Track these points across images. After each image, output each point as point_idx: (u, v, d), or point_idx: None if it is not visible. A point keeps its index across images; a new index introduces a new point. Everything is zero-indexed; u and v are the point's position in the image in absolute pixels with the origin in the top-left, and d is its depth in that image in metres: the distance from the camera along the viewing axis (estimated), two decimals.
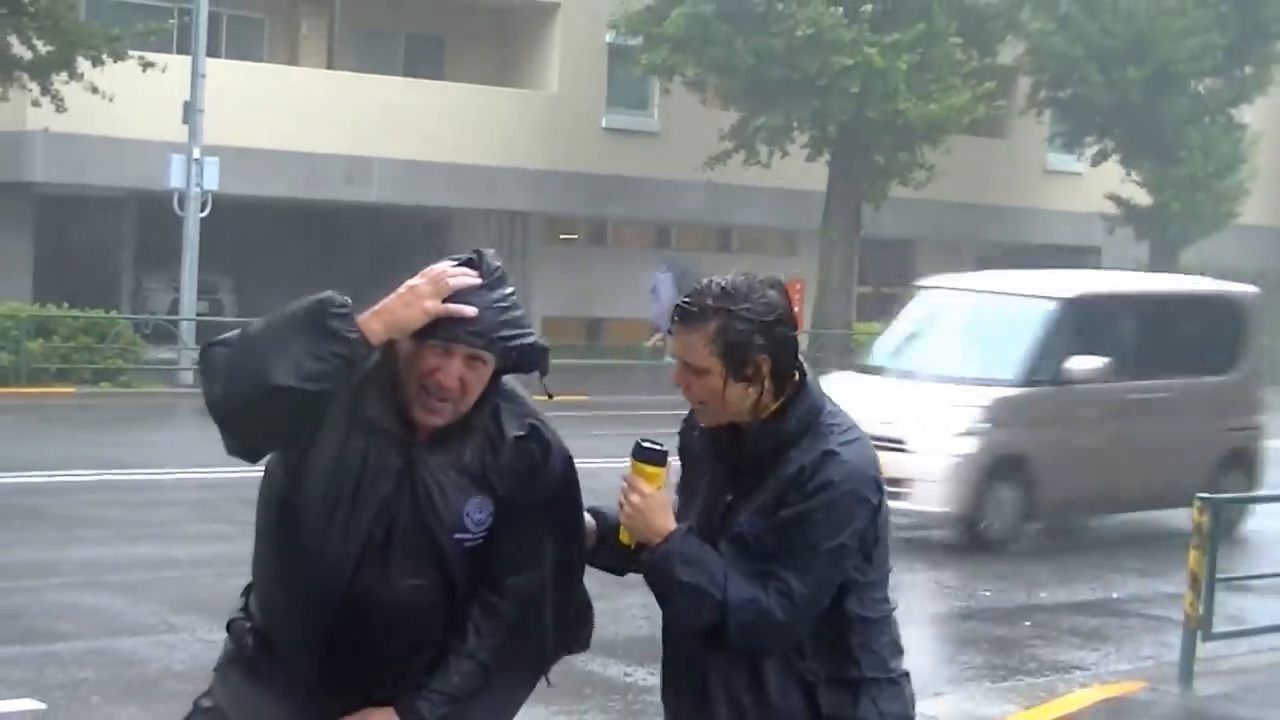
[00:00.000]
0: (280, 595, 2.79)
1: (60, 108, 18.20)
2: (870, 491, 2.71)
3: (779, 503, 2.68)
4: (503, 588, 2.77)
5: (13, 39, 18.01)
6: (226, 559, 8.25)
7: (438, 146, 24.06)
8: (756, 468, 2.74)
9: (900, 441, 9.66)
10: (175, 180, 19.50)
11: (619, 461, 2.80)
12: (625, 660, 6.51)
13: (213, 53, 20.96)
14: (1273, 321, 34.02)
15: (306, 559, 2.71)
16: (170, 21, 20.25)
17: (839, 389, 10.38)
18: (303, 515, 2.71)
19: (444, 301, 2.64)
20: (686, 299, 2.74)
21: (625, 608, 5.91)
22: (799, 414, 2.72)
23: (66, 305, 19.02)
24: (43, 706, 5.85)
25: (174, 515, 10.28)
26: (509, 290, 2.71)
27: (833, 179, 24.61)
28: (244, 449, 2.69)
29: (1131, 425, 10.49)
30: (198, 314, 20.02)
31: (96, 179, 21.99)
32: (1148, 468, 10.48)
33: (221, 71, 21.03)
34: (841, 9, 22.25)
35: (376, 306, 2.67)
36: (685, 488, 2.88)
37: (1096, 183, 28.39)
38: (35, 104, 18.49)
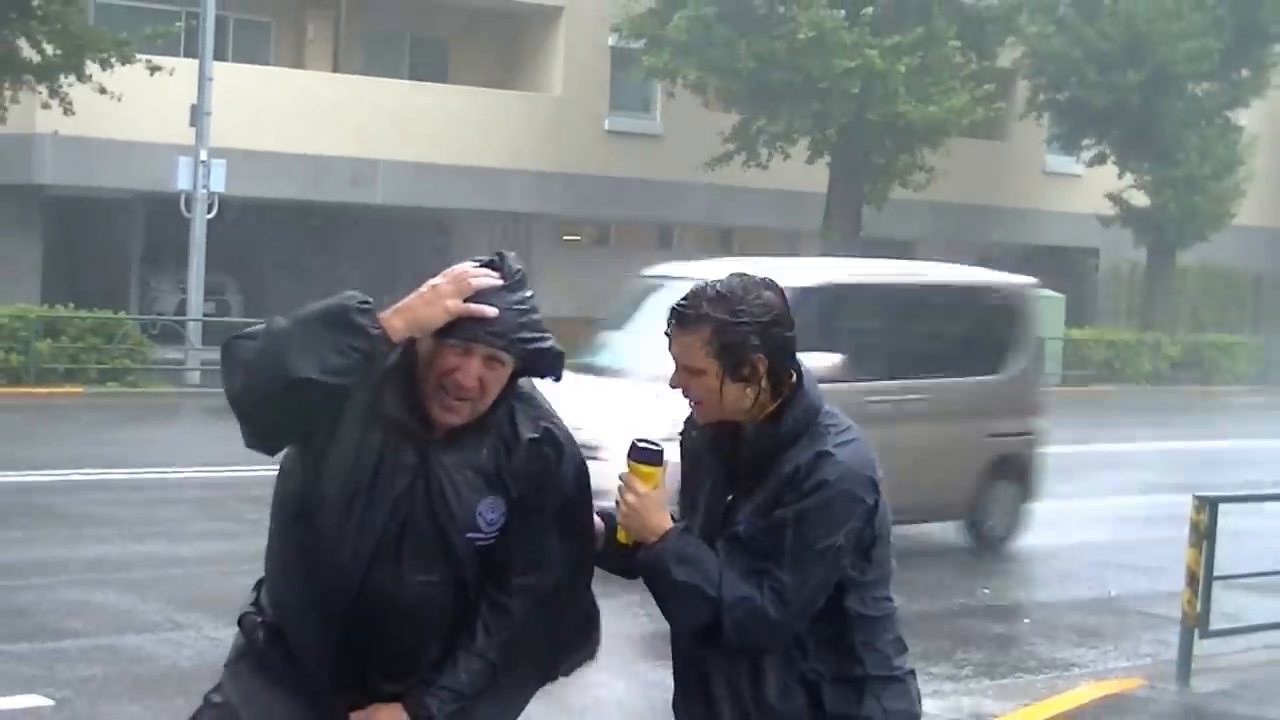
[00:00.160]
0: (294, 589, 2.79)
1: (69, 110, 18.30)
2: (866, 491, 2.71)
3: (775, 502, 2.69)
4: (513, 588, 2.79)
5: (22, 42, 18.12)
6: (233, 557, 8.31)
7: (442, 149, 24.14)
8: (754, 468, 2.75)
9: (595, 448, 8.38)
10: (182, 182, 19.58)
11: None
12: (628, 658, 6.54)
13: (220, 56, 21.07)
14: (1272, 321, 34.15)
15: (322, 553, 2.72)
16: (177, 25, 20.34)
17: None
18: (319, 509, 2.72)
19: (465, 301, 2.66)
20: (682, 301, 2.74)
21: (627, 605, 5.97)
22: (796, 414, 2.73)
23: (74, 306, 19.10)
24: (51, 703, 5.86)
25: (181, 514, 10.32)
26: (529, 293, 2.72)
27: (833, 181, 24.68)
28: (263, 442, 2.71)
29: (875, 431, 8.94)
30: (204, 315, 20.12)
31: (105, 181, 22.08)
32: (894, 478, 9.18)
33: (228, 75, 21.11)
34: (843, 11, 22.33)
35: (398, 304, 2.69)
36: (687, 488, 2.88)
37: (1095, 184, 28.46)
38: (45, 106, 18.60)
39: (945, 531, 10.67)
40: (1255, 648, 7.47)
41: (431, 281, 2.69)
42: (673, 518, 2.77)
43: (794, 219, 26.72)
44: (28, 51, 18.21)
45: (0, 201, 22.61)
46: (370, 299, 2.64)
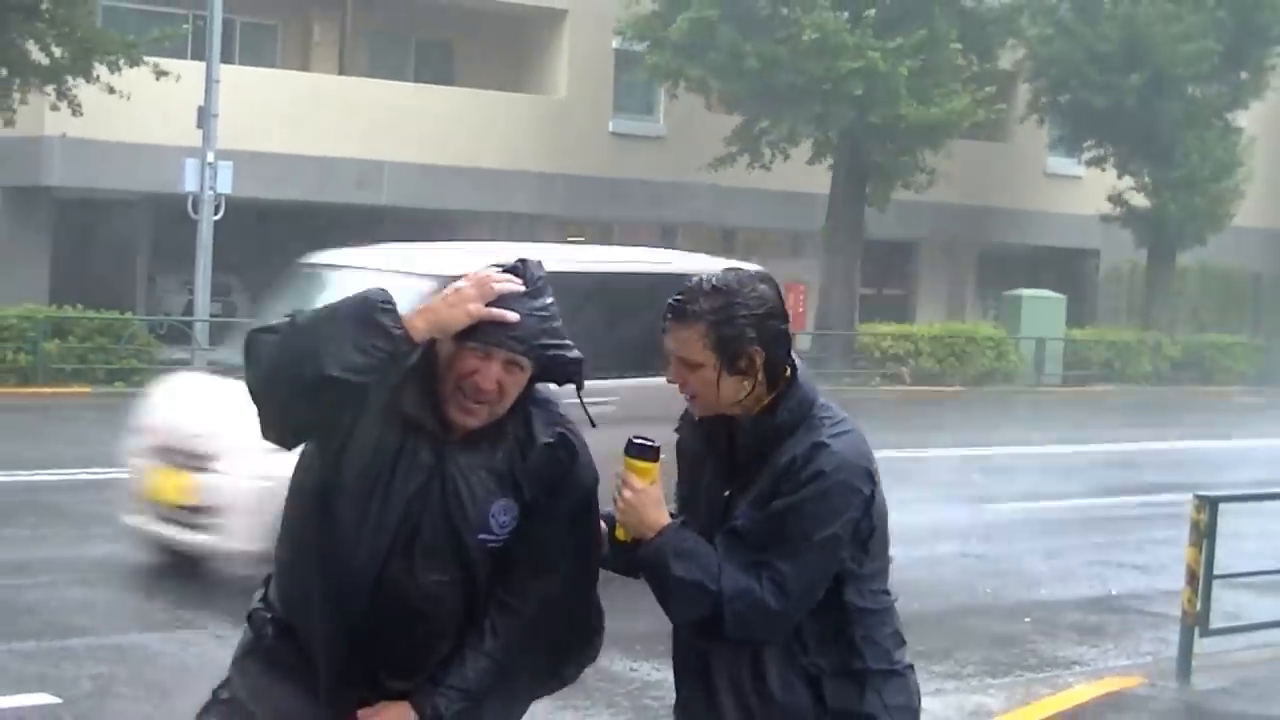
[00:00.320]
0: (307, 585, 2.79)
1: (77, 111, 18.37)
2: (862, 482, 2.72)
3: (772, 494, 2.70)
4: (521, 590, 2.80)
5: (30, 45, 18.19)
6: (240, 556, 8.32)
7: (447, 150, 24.21)
8: (751, 461, 2.76)
9: (209, 459, 7.60)
10: (189, 184, 19.62)
11: None
12: (632, 656, 6.54)
13: (226, 58, 21.10)
14: (1272, 321, 34.15)
15: (336, 549, 2.74)
16: (185, 28, 20.44)
17: (169, 393, 8.33)
18: (335, 506, 2.73)
19: (487, 306, 2.67)
20: (679, 296, 2.75)
21: (630, 603, 6.02)
22: (791, 406, 2.74)
23: (82, 306, 19.15)
24: (58, 701, 5.86)
25: None
26: (550, 300, 2.75)
27: (836, 182, 24.74)
28: (280, 434, 2.72)
29: None
30: (211, 315, 20.12)
31: (112, 183, 22.16)
32: None
33: (235, 77, 21.19)
34: (846, 13, 22.38)
35: (421, 305, 2.71)
36: (686, 484, 2.90)
37: (1096, 186, 28.52)
38: (54, 108, 18.67)
39: (946, 533, 10.72)
40: (1255, 646, 7.50)
41: (455, 284, 2.72)
42: (671, 514, 2.78)
43: (796, 220, 26.78)
44: (36, 54, 18.28)
45: (9, 203, 22.70)
46: (393, 298, 2.66)
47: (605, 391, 7.61)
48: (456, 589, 2.77)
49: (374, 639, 2.76)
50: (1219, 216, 27.49)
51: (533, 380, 2.77)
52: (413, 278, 7.83)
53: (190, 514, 7.76)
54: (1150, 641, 7.86)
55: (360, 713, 2.78)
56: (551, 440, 2.79)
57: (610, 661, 6.45)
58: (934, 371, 24.80)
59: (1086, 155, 28.24)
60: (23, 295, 20.47)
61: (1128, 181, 27.93)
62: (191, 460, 7.73)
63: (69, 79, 18.27)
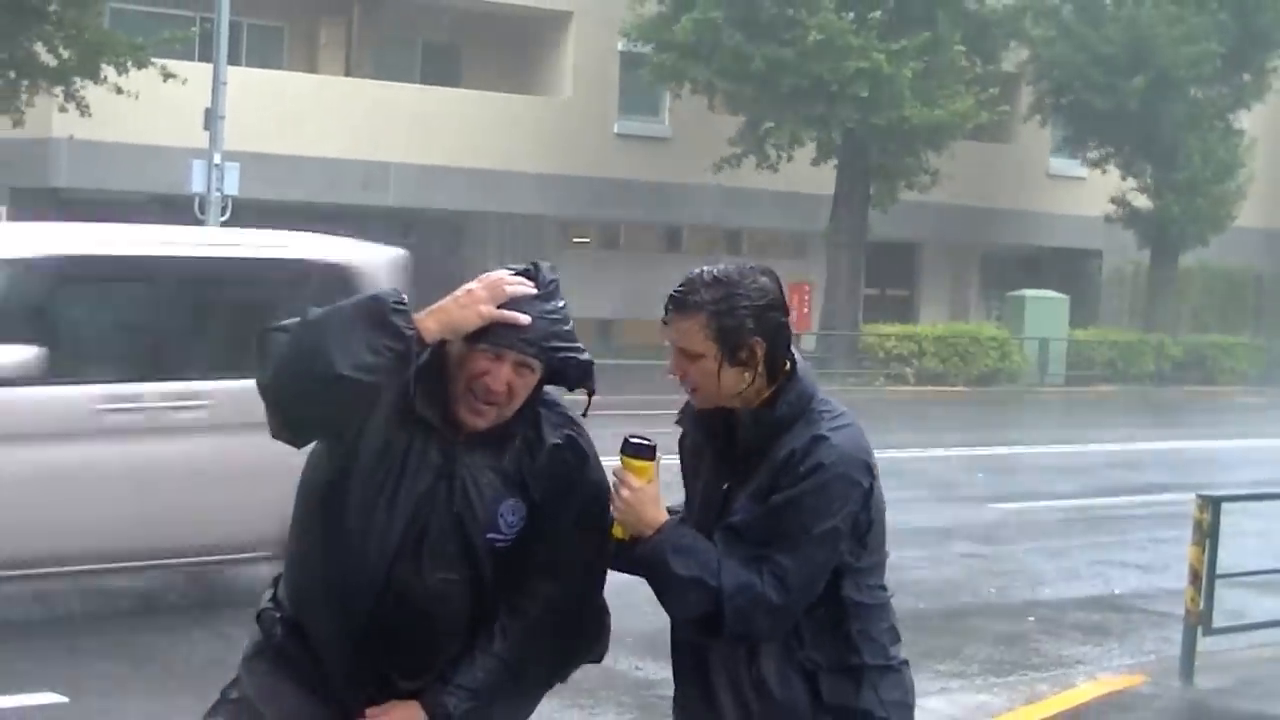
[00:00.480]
0: (317, 584, 2.79)
1: (85, 112, 18.44)
2: (861, 475, 2.72)
3: (771, 487, 2.69)
4: (530, 591, 2.81)
5: (38, 47, 18.27)
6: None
7: (453, 152, 24.27)
8: (749, 454, 2.75)
9: None
10: (197, 185, 19.70)
11: None
12: (637, 655, 6.48)
13: (233, 61, 21.19)
14: (1274, 322, 34.17)
15: (346, 548, 2.74)
16: (192, 30, 20.51)
17: None
18: (345, 505, 2.73)
19: (499, 308, 2.68)
20: (680, 287, 2.75)
21: (636, 602, 6.08)
22: (790, 400, 2.74)
23: None
24: (66, 700, 5.87)
25: None
26: (561, 303, 2.75)
27: (840, 183, 24.80)
28: (291, 432, 2.71)
29: (119, 448, 6.86)
30: None
31: (119, 184, 22.21)
32: (169, 507, 6.93)
33: (242, 79, 21.26)
34: (852, 14, 22.43)
35: (433, 306, 2.71)
36: (686, 479, 2.90)
37: (1098, 187, 28.57)
38: (62, 109, 18.74)
39: (950, 532, 10.75)
40: (1258, 645, 7.52)
41: (467, 285, 2.72)
42: (670, 511, 2.79)
43: (801, 221, 26.83)
44: (44, 56, 18.34)
45: (17, 204, 22.74)
46: (405, 298, 2.66)
47: (193, 394, 7.03)
48: (465, 588, 2.77)
49: (383, 638, 2.76)
50: (1221, 217, 27.55)
51: (542, 383, 2.79)
52: None
53: None
54: (1153, 640, 7.87)
55: (369, 712, 2.78)
56: (560, 442, 2.80)
57: (615, 660, 6.44)
58: (938, 372, 24.84)
59: (1089, 157, 28.30)
60: None
61: (1130, 183, 27.99)
62: None
63: (76, 80, 18.34)
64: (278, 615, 2.88)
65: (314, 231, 8.40)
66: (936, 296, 31.68)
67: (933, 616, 8.15)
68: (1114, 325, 30.22)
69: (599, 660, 2.99)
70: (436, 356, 2.74)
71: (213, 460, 7.06)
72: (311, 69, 24.98)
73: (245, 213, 20.88)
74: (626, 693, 6.32)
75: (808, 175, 24.70)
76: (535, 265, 2.79)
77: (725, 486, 2.79)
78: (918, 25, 23.10)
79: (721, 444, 2.82)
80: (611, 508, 2.77)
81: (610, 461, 2.83)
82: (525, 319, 2.69)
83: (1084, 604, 8.76)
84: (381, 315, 2.62)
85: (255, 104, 21.76)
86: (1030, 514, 11.92)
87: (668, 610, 2.79)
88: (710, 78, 23.26)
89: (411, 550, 2.74)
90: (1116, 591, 9.16)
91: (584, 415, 2.84)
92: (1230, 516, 7.11)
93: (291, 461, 2.83)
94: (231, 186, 19.69)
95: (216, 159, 19.55)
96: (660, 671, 6.28)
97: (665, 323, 2.78)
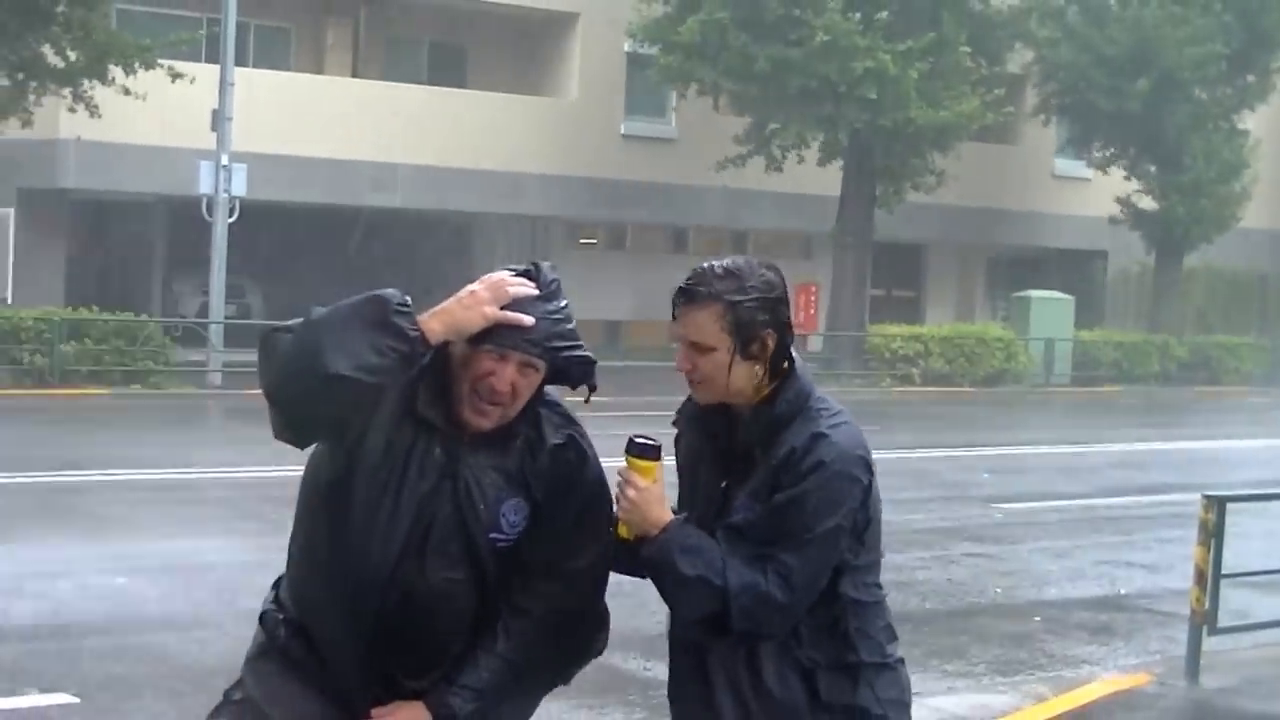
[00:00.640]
0: (320, 584, 2.79)
1: (95, 114, 18.50)
2: (861, 471, 2.72)
3: (772, 486, 2.69)
4: (533, 591, 2.81)
5: (46, 49, 18.33)
6: (257, 556, 8.34)
7: (460, 153, 24.31)
8: (748, 452, 2.75)
9: None
10: (204, 186, 19.73)
11: None
12: (645, 654, 6.51)
13: (240, 62, 21.24)
14: (1277, 323, 34.23)
15: (350, 548, 2.74)
16: (200, 32, 20.57)
17: None
18: (349, 505, 2.73)
19: (502, 309, 2.69)
20: (690, 280, 2.75)
21: (644, 602, 6.09)
22: (789, 397, 2.73)
23: (98, 308, 19.28)
24: (77, 700, 5.87)
25: (204, 514, 10.27)
26: (563, 303, 2.76)
27: (846, 184, 24.82)
28: (293, 433, 2.70)
29: None
30: (226, 317, 20.22)
31: (127, 185, 22.29)
32: None
33: (249, 80, 21.32)
34: (859, 14, 22.45)
35: (436, 308, 2.70)
36: (684, 477, 2.89)
37: (1103, 188, 28.58)
38: (70, 110, 18.80)
39: (956, 533, 10.78)
40: (1263, 644, 7.53)
41: (469, 287, 2.72)
42: (673, 510, 2.79)
43: (807, 222, 26.87)
44: (52, 57, 18.41)
45: (25, 205, 22.84)
46: (408, 300, 2.65)
47: None
48: (469, 588, 2.78)
49: (387, 638, 2.76)
50: (1225, 218, 27.57)
51: (544, 382, 2.79)
52: None
53: None
54: (1159, 640, 7.88)
55: (375, 712, 2.78)
56: (561, 442, 2.81)
57: (624, 660, 6.50)
58: (944, 372, 24.87)
59: (1094, 158, 28.32)
60: (39, 297, 20.63)
61: (1135, 184, 28.00)
62: None
63: (84, 82, 18.40)
64: (281, 617, 2.88)
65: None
66: (942, 297, 31.71)
67: (939, 617, 8.17)
68: (1119, 326, 30.24)
69: (599, 655, 3.00)
70: (440, 357, 2.75)
71: None
72: (318, 70, 25.03)
73: (252, 214, 20.97)
74: (635, 693, 6.34)
75: (814, 176, 24.73)
76: (536, 265, 2.80)
77: (723, 485, 2.80)
78: (923, 26, 23.12)
79: (720, 443, 2.82)
80: (616, 507, 2.77)
81: (615, 463, 2.83)
82: (529, 320, 2.70)
83: (1090, 604, 8.77)
84: (385, 316, 2.61)
85: (262, 105, 21.81)
86: (1036, 514, 11.93)
87: (674, 610, 2.80)
88: (716, 78, 23.29)
89: (416, 550, 2.75)
90: (1122, 591, 9.16)
91: (586, 401, 2.85)
92: (1235, 516, 7.13)
93: None
94: (239, 187, 19.74)
95: (224, 160, 19.61)
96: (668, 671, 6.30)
97: (674, 316, 2.77)
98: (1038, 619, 8.30)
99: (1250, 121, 28.89)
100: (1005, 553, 10.20)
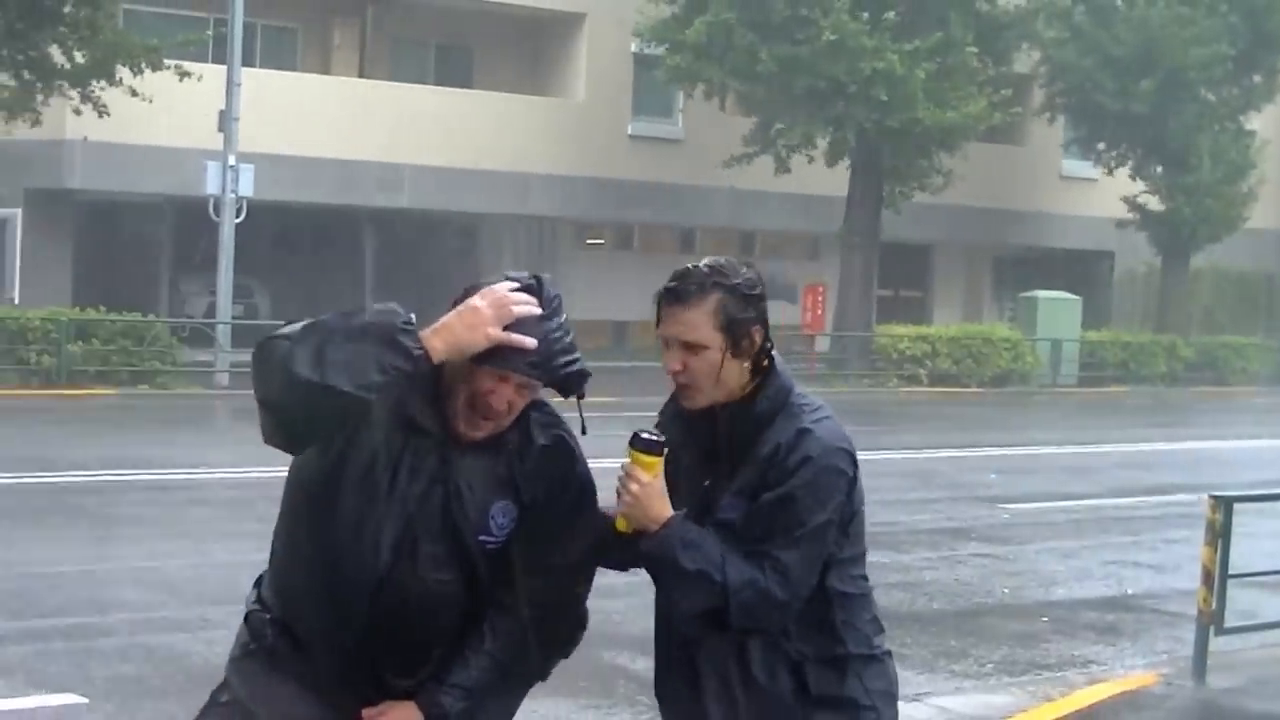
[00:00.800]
0: (310, 585, 2.79)
1: (103, 114, 18.54)
2: (845, 464, 2.75)
3: (760, 484, 2.72)
4: (521, 590, 2.82)
5: (53, 49, 18.38)
6: (264, 556, 8.40)
7: (467, 153, 24.34)
8: (731, 450, 2.77)
9: None
10: (211, 187, 19.76)
11: None
12: (651, 654, 6.67)
13: (247, 62, 21.27)
14: (1274, 323, 34.21)
15: (338, 550, 2.74)
16: (206, 32, 20.60)
17: None
18: (337, 506, 2.73)
19: (505, 329, 2.65)
20: (675, 281, 2.76)
21: (650, 602, 6.15)
22: (770, 394, 2.76)
23: (105, 309, 19.29)
24: (85, 701, 5.94)
25: (211, 514, 10.29)
26: (564, 318, 2.73)
27: (853, 184, 24.83)
28: (286, 439, 2.68)
29: None
30: (233, 317, 20.24)
31: (134, 186, 22.33)
32: None
33: (256, 80, 21.36)
34: (866, 15, 22.46)
35: (438, 324, 2.67)
36: (666, 476, 2.84)
37: (1110, 189, 28.58)
38: (76, 112, 18.84)
39: (963, 533, 10.78)
40: (1270, 644, 7.53)
41: (471, 302, 2.68)
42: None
43: (814, 222, 26.88)
44: (59, 58, 18.45)
45: (32, 205, 22.90)
46: (413, 318, 2.64)
47: None
48: (458, 588, 2.79)
49: (376, 638, 2.77)
50: (1232, 219, 27.58)
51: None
52: None
53: None
54: (1166, 640, 7.89)
55: (366, 713, 2.79)
56: (548, 443, 2.81)
57: (631, 660, 6.49)
58: (951, 373, 24.87)
59: (1101, 158, 28.31)
60: (46, 298, 20.67)
61: (1141, 184, 28.00)
62: None
63: (92, 82, 18.44)
64: (267, 616, 2.88)
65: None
66: (950, 298, 31.70)
67: (946, 617, 8.18)
68: (1126, 326, 30.23)
69: (569, 654, 3.00)
70: (436, 366, 2.72)
71: None
72: (325, 70, 25.06)
73: (259, 214, 21.01)
74: (642, 691, 6.34)
75: (821, 177, 24.73)
76: (538, 280, 2.76)
77: (706, 484, 2.81)
78: (930, 26, 23.12)
79: (702, 440, 2.83)
80: (618, 501, 2.77)
81: (611, 464, 2.84)
82: (532, 342, 2.67)
83: (1097, 604, 8.77)
84: (391, 335, 2.59)
85: (269, 105, 21.85)
86: (1043, 515, 11.93)
87: (674, 604, 2.82)
88: (723, 79, 23.30)
89: (408, 552, 2.75)
90: (1129, 592, 9.17)
91: (581, 397, 2.81)
92: (1242, 517, 7.14)
93: None
94: (246, 188, 19.76)
95: (231, 160, 19.62)
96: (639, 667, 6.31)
97: (659, 320, 2.78)
98: (1045, 619, 8.31)
99: (1257, 122, 28.91)
100: (1012, 553, 10.21)
